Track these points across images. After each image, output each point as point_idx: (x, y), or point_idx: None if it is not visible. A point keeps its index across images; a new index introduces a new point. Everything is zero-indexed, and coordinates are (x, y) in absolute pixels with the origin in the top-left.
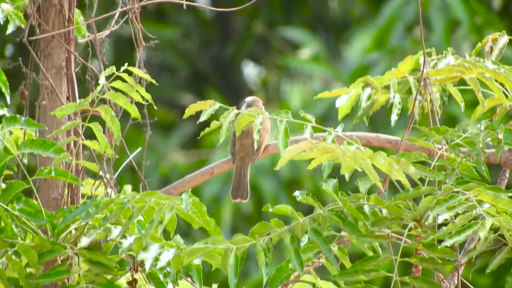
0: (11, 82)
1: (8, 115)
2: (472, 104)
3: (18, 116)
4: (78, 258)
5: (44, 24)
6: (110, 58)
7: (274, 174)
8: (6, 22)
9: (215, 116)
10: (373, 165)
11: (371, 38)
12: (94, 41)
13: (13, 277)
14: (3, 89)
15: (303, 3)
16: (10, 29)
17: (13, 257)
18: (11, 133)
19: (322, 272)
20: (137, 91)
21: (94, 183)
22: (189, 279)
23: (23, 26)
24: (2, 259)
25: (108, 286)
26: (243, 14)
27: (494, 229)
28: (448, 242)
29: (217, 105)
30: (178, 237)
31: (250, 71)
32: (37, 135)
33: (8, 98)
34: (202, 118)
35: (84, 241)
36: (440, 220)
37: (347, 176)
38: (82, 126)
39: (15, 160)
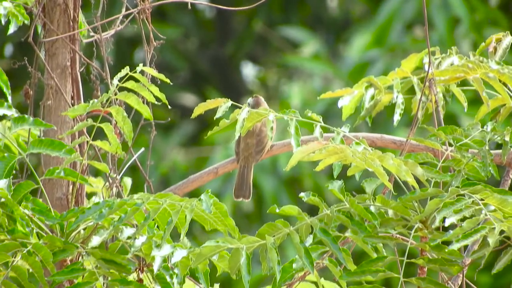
0: (13, 82)
1: (16, 115)
2: (472, 102)
3: (26, 116)
4: (88, 257)
5: (49, 24)
6: (111, 57)
7: (274, 172)
8: (8, 21)
9: (214, 115)
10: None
11: (370, 35)
12: (99, 41)
13: (13, 276)
14: (4, 89)
15: (302, 3)
16: (11, 29)
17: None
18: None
19: (322, 273)
20: (150, 91)
21: (104, 184)
22: (191, 278)
23: (26, 22)
24: (18, 258)
25: (123, 282)
26: (243, 13)
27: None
28: (455, 246)
29: (229, 102)
30: (185, 240)
31: (250, 70)
32: (41, 135)
33: (9, 98)
34: (218, 115)
35: (95, 241)
36: (447, 223)
37: (357, 177)
38: (93, 126)
39: (20, 160)
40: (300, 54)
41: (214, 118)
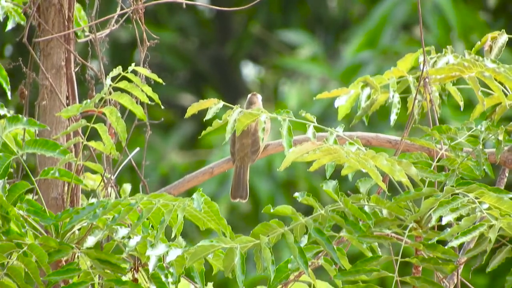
0: (13, 83)
1: (8, 115)
2: (458, 106)
3: (20, 116)
4: (84, 257)
5: (44, 24)
6: (107, 59)
7: (270, 174)
8: (6, 19)
9: (214, 116)
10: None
11: (363, 37)
12: (94, 41)
13: (10, 275)
14: (4, 85)
15: (302, 3)
16: (9, 26)
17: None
18: None
19: (318, 273)
20: (143, 91)
21: (99, 184)
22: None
23: (22, 23)
24: (14, 259)
25: (118, 282)
26: (242, 13)
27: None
28: (454, 243)
29: (221, 103)
30: (180, 239)
31: (249, 71)
32: (37, 134)
33: (9, 93)
34: (208, 116)
35: (90, 241)
36: (444, 222)
37: (350, 177)
38: (87, 127)
39: (15, 159)
40: (298, 56)
41: (204, 119)
